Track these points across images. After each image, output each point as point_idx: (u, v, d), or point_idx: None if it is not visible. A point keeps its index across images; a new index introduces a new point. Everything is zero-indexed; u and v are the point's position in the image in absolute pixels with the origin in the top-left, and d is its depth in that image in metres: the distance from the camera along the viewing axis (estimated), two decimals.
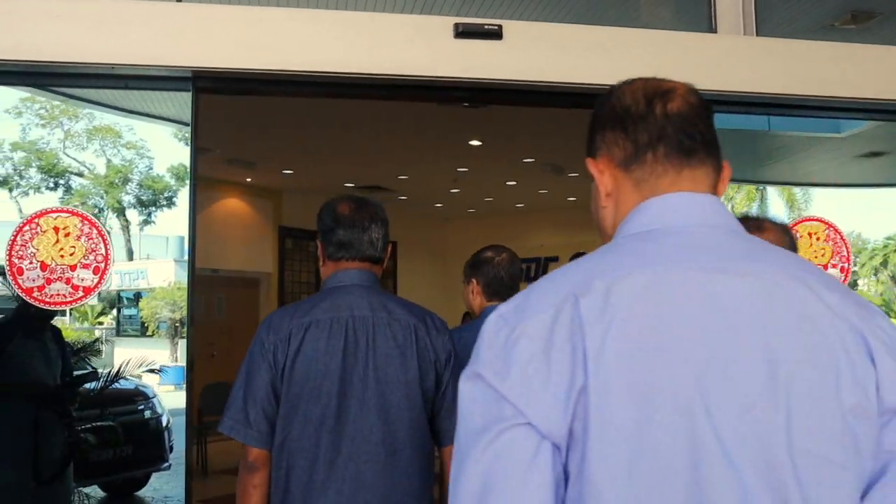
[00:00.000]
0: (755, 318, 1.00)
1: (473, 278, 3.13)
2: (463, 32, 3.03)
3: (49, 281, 2.80)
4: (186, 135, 8.96)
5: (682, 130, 1.15)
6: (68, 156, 26.43)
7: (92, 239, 2.96)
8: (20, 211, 23.70)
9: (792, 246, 2.13)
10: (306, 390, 2.09)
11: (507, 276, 2.97)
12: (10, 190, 24.50)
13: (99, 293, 2.94)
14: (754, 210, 28.39)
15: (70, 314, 27.99)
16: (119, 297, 21.26)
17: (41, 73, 2.96)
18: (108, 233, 3.17)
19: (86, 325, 25.73)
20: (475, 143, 8.38)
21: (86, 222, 3.07)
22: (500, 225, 13.99)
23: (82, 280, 2.85)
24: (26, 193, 25.11)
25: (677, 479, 0.93)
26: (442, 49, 3.04)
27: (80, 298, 2.90)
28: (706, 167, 1.16)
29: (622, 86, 1.25)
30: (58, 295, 2.82)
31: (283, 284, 11.30)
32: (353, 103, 7.13)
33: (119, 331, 20.93)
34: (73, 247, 2.87)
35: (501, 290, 2.94)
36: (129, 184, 25.43)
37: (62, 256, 2.83)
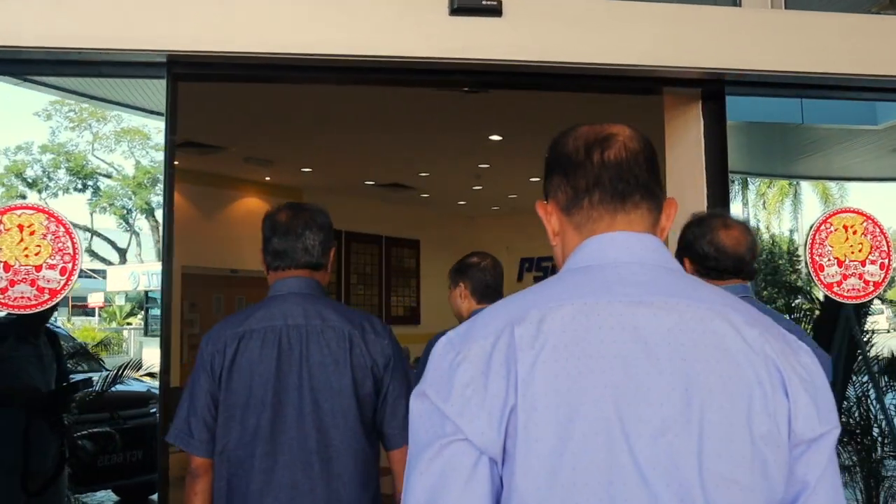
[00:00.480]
0: (674, 350, 1.06)
1: (461, 282, 3.19)
2: (458, 9, 2.74)
3: (13, 282, 2.59)
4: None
5: (617, 177, 1.21)
6: (97, 157, 26.64)
7: (59, 238, 2.75)
8: None
9: (753, 245, 2.09)
10: (242, 400, 2.12)
11: (493, 280, 3.10)
12: (39, 192, 24.73)
13: (63, 297, 2.72)
14: (787, 205, 27.64)
15: (98, 315, 28.28)
16: (147, 297, 21.37)
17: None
18: (76, 230, 2.94)
19: (114, 325, 25.94)
20: (495, 137, 8.12)
21: (52, 220, 2.85)
22: (524, 223, 13.67)
23: (48, 282, 2.64)
24: (55, 195, 25.37)
25: (594, 495, 1.02)
26: (435, 28, 2.76)
27: (45, 302, 2.68)
28: (642, 210, 1.22)
29: (567, 132, 1.34)
30: (22, 297, 2.61)
31: None
32: (370, 98, 6.93)
33: (147, 331, 21.02)
34: (39, 246, 2.66)
35: (488, 293, 3.08)
36: (158, 185, 25.56)
37: (27, 256, 2.63)
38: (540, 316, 1.09)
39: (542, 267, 13.52)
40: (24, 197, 24.70)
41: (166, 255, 2.76)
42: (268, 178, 10.44)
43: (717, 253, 2.09)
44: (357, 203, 12.07)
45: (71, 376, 5.08)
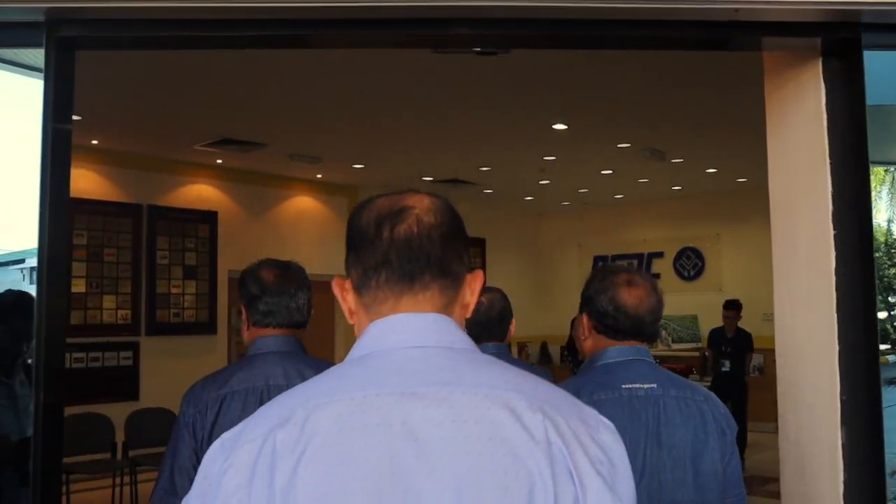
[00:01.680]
0: (446, 445, 1.01)
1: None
2: None
3: None
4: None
5: (405, 256, 1.13)
6: None
7: None
8: None
9: (656, 307, 1.97)
10: None
11: (485, 320, 2.89)
12: None
13: None
14: (884, 194, 25.67)
15: None
16: None
17: None
18: None
19: None
20: (560, 126, 7.26)
21: None
22: (596, 218, 12.80)
23: None
24: None
25: None
26: None
27: None
28: (432, 290, 1.14)
29: (364, 205, 1.21)
30: None
31: None
32: (419, 86, 6.20)
33: None
34: None
35: (477, 331, 2.77)
36: None
37: None
38: (305, 416, 1.02)
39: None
40: None
41: (42, 256, 2.00)
42: (319, 176, 9.82)
43: (615, 312, 1.95)
44: None
45: None
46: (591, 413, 1.10)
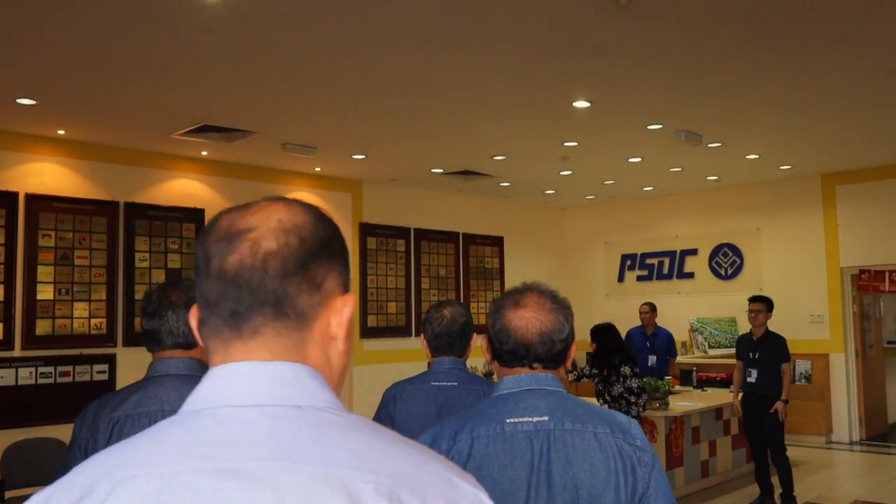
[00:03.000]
0: None
1: (423, 333, 2.92)
2: None
3: None
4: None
5: (230, 295, 0.90)
6: None
7: None
8: None
9: (550, 329, 1.74)
10: None
11: (446, 334, 2.76)
12: None
13: None
14: None
15: None
16: None
17: None
18: None
19: None
20: (582, 104, 6.33)
21: None
22: (624, 213, 11.82)
23: None
24: None
25: None
26: None
27: None
28: (265, 334, 0.90)
29: (209, 225, 0.96)
30: None
31: (365, 293, 9.63)
32: (420, 64, 5.29)
33: None
34: None
35: (437, 345, 2.82)
36: None
37: None
38: (108, 490, 0.83)
39: (646, 264, 11.56)
40: None
41: None
42: (318, 169, 8.97)
43: (501, 335, 1.75)
44: (427, 195, 10.47)
45: None
46: (468, 492, 0.83)
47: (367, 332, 9.61)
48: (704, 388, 8.48)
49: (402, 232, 10.15)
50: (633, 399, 6.00)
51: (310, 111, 6.62)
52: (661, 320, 11.00)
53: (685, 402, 7.32)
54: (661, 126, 7.14)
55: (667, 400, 6.88)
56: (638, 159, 8.61)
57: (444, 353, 2.79)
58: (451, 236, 10.80)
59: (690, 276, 11.07)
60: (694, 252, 11.07)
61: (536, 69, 5.52)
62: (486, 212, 11.33)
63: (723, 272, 10.74)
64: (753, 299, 7.00)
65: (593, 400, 6.16)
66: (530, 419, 1.65)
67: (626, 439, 1.67)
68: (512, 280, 11.60)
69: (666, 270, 11.32)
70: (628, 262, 11.76)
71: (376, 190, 9.90)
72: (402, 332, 10.01)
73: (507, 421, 1.67)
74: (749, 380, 6.89)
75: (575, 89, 6.04)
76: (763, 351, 6.83)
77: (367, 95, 6.17)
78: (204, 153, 7.98)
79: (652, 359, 8.23)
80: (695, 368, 8.91)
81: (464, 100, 6.30)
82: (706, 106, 6.62)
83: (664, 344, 8.24)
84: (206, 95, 6.10)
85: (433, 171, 9.09)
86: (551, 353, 1.74)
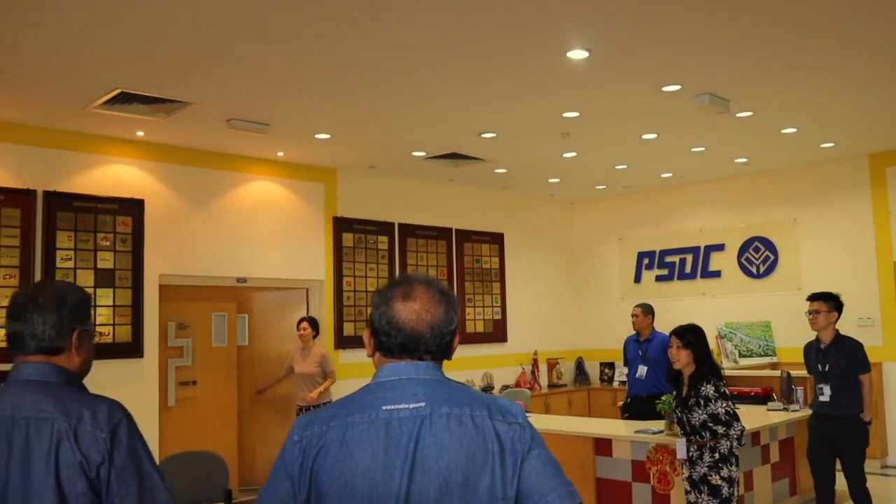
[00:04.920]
0: None
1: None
2: None
3: None
4: None
5: None
6: None
7: None
8: None
9: (440, 320, 1.72)
10: None
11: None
12: None
13: None
14: None
15: None
16: None
17: None
18: None
19: None
20: (578, 53, 5.05)
21: None
22: (640, 205, 10.48)
23: None
24: None
25: None
26: None
27: None
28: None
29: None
30: None
31: (340, 297, 8.38)
32: (385, 13, 4.07)
33: None
34: None
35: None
36: None
37: None
38: None
39: (665, 263, 10.21)
40: None
41: None
42: (280, 154, 7.74)
43: (389, 328, 1.71)
44: (413, 186, 9.22)
45: None
46: None
47: (342, 342, 8.36)
48: (736, 406, 7.12)
49: (384, 227, 8.90)
50: (720, 430, 4.32)
51: (256, 78, 5.42)
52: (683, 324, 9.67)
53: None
54: (678, 87, 5.84)
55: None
56: (653, 136, 7.30)
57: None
58: (442, 232, 9.53)
59: (717, 274, 9.70)
60: (720, 248, 9.71)
61: (519, 8, 4.25)
62: (484, 205, 10.06)
63: (754, 270, 9.37)
64: (813, 297, 5.70)
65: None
66: (407, 406, 1.62)
67: (506, 419, 1.64)
68: (514, 282, 10.32)
69: (688, 269, 9.97)
70: (646, 261, 10.42)
71: (353, 179, 8.66)
72: None
73: (384, 408, 1.63)
74: (821, 398, 5.62)
75: (568, 34, 4.76)
76: (834, 361, 5.56)
77: (325, 57, 4.96)
78: (140, 133, 6.78)
79: (641, 370, 6.91)
80: (724, 382, 7.54)
81: (435, 56, 5.06)
82: (734, 62, 5.32)
83: (659, 351, 6.90)
84: (118, 56, 4.92)
85: (415, 154, 7.84)
86: (441, 345, 1.72)
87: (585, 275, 11.08)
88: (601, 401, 10.23)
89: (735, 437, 4.26)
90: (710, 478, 4.24)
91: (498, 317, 10.08)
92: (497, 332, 10.02)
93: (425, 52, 5.01)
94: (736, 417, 4.33)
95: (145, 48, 4.81)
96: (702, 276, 9.82)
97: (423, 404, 1.61)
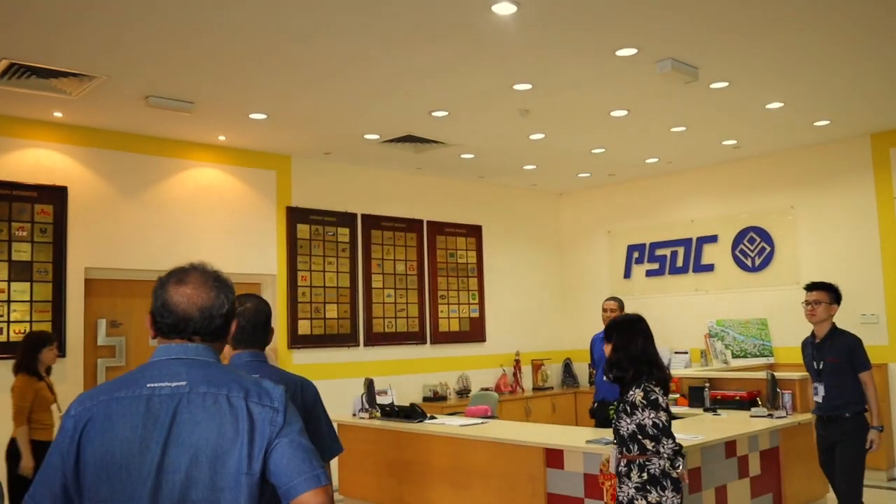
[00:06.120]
0: None
1: None
2: None
3: None
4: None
5: None
6: None
7: None
8: None
9: (214, 303, 1.88)
10: None
11: (251, 326, 2.81)
12: None
13: None
14: None
15: None
16: None
17: None
18: None
19: None
20: (505, 7, 4.39)
21: None
22: (628, 195, 9.75)
23: None
24: None
25: None
26: None
27: None
28: None
29: None
30: None
31: (294, 292, 7.78)
32: None
33: None
34: None
35: (240, 338, 2.82)
36: None
37: None
38: None
39: (656, 256, 9.48)
40: None
41: None
42: (222, 138, 7.17)
43: (163, 310, 1.83)
44: (378, 175, 8.61)
45: None
46: None
47: (296, 341, 7.76)
48: (717, 411, 6.41)
49: (345, 218, 8.30)
50: (648, 444, 3.55)
51: (174, 50, 4.86)
52: (677, 323, 8.95)
53: (678, 433, 5.29)
54: (635, 51, 5.16)
55: None
56: (622, 112, 6.61)
57: (246, 346, 2.82)
58: (412, 224, 8.90)
59: (710, 268, 8.96)
60: (713, 239, 8.97)
61: None
62: (459, 196, 9.42)
63: (749, 263, 8.62)
64: (812, 286, 5.13)
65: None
66: (169, 384, 1.72)
67: (262, 401, 1.74)
68: (494, 277, 9.67)
69: (680, 263, 9.23)
70: (636, 255, 9.70)
71: (309, 167, 8.07)
72: (344, 340, 8.14)
73: (148, 385, 1.73)
74: (816, 398, 5.12)
75: None
76: (829, 357, 5.01)
77: (246, 30, 4.38)
78: (57, 114, 6.25)
79: None
80: (707, 385, 6.81)
81: (355, 24, 4.45)
82: (692, 19, 4.64)
83: None
84: (18, 25, 4.39)
85: (367, 137, 7.23)
86: (210, 327, 1.82)
87: (572, 270, 10.38)
88: (589, 404, 9.51)
89: (667, 456, 3.52)
90: (636, 501, 3.54)
91: (475, 314, 9.43)
92: (474, 332, 9.36)
93: (345, 20, 4.39)
94: (666, 432, 3.57)
95: (34, 11, 4.26)
96: (694, 271, 9.08)
97: (184, 383, 1.73)
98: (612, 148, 7.90)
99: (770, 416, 5.99)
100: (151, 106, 5.94)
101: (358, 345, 8.21)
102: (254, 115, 6.44)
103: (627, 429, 3.58)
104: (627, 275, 9.74)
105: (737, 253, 8.72)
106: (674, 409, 6.86)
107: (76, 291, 6.45)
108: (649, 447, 3.52)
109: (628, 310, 9.34)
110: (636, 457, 3.56)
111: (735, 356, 8.18)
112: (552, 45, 5.01)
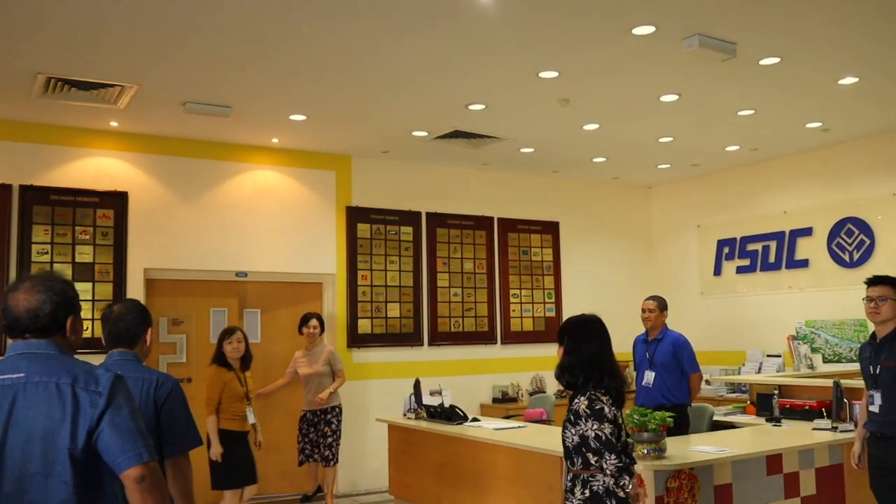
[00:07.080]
0: None
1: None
2: None
3: None
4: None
5: None
6: None
7: None
8: None
9: (38, 305, 2.19)
10: None
11: (116, 328, 3.01)
12: None
13: None
14: None
15: None
16: None
17: None
18: None
19: None
20: None
21: None
22: (718, 186, 9.08)
23: None
24: None
25: None
26: None
27: None
28: None
29: None
30: None
31: (355, 292, 7.83)
32: None
33: None
34: None
35: (111, 340, 3.04)
36: None
37: None
38: None
39: (747, 252, 8.78)
40: None
41: None
42: (275, 140, 7.33)
43: (4, 313, 2.19)
44: (443, 172, 8.51)
45: None
46: None
47: (356, 340, 7.81)
48: (780, 422, 5.81)
49: (408, 217, 8.25)
50: (591, 459, 3.18)
51: (207, 57, 5.02)
52: (769, 323, 8.25)
53: (705, 445, 4.84)
54: (653, 28, 4.76)
55: (662, 444, 4.46)
56: (673, 97, 6.14)
57: (115, 346, 3.00)
58: (481, 222, 8.73)
59: (804, 264, 8.19)
60: (808, 232, 8.18)
61: None
62: (532, 191, 9.13)
63: (846, 258, 7.79)
64: (874, 280, 4.37)
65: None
66: (10, 376, 2.04)
67: (88, 387, 2.03)
68: (572, 275, 9.31)
69: (772, 258, 8.50)
70: (726, 250, 9.03)
71: (369, 167, 8.09)
72: (408, 339, 8.10)
73: None
74: (871, 408, 4.38)
75: None
76: (886, 361, 4.26)
77: (285, 23, 4.46)
78: (113, 124, 6.61)
79: (648, 376, 5.77)
80: (776, 392, 6.19)
81: (356, 19, 4.39)
82: None
83: (669, 354, 5.75)
84: (39, 38, 4.71)
85: (416, 134, 7.14)
86: (37, 326, 2.14)
87: (660, 267, 9.82)
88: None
89: (609, 472, 3.12)
90: None
91: (551, 314, 9.12)
92: (550, 332, 9.04)
93: (347, 13, 4.34)
94: (609, 446, 3.15)
95: (60, 25, 4.52)
96: (787, 267, 8.33)
97: (21, 375, 2.04)
98: (679, 136, 7.38)
99: (834, 428, 5.37)
100: (189, 112, 6.15)
101: (422, 344, 8.15)
102: (294, 117, 6.52)
103: (572, 440, 3.25)
104: (717, 272, 9.09)
105: (833, 247, 7.90)
106: (738, 419, 6.32)
107: (137, 291, 6.79)
108: (592, 462, 3.17)
109: (723, 309, 8.81)
110: (580, 471, 3.23)
111: (826, 360, 7.41)
112: (563, 29, 4.71)
